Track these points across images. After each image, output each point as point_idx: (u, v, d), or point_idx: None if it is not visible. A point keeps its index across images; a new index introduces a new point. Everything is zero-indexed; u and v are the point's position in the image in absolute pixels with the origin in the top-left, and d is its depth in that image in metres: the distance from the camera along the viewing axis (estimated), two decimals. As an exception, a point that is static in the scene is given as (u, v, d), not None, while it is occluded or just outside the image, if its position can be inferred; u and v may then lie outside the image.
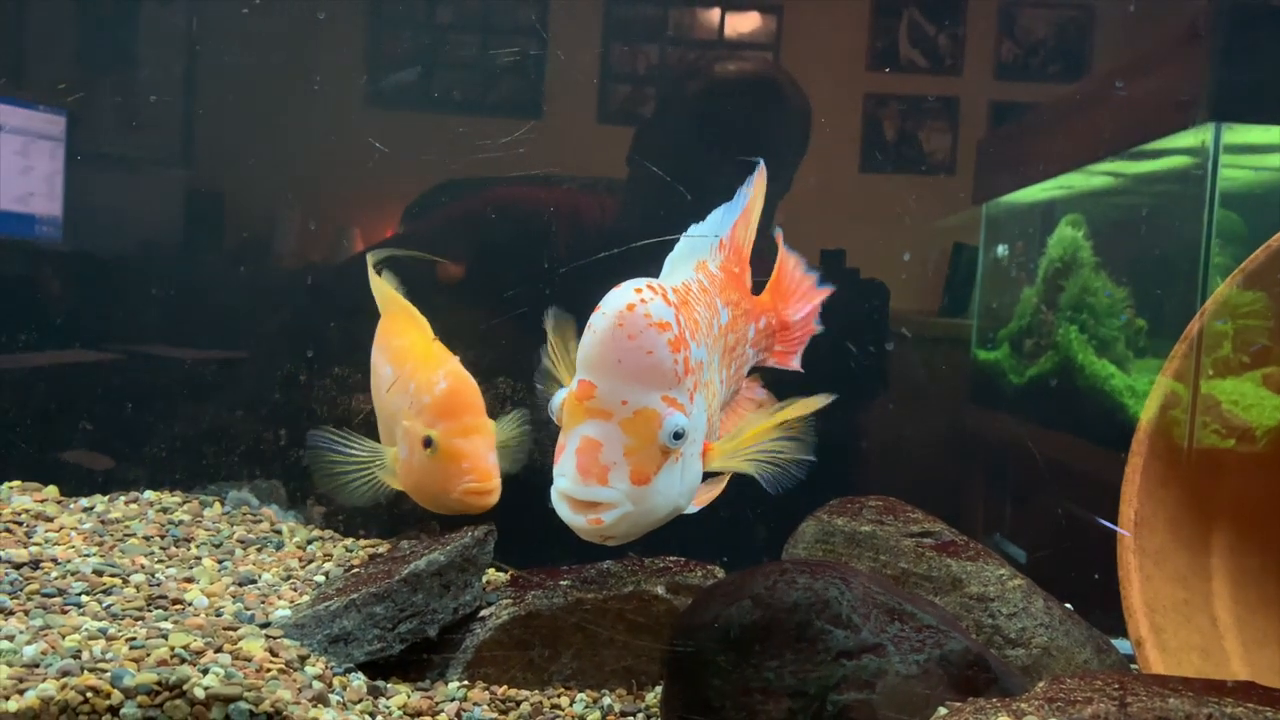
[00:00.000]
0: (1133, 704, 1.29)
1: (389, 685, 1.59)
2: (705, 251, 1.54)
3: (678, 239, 1.56)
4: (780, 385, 1.74)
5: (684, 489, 1.31)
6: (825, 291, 1.81)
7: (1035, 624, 1.76)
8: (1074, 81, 2.62)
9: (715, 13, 2.57)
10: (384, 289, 1.93)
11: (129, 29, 2.54)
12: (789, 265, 1.79)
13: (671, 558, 1.86)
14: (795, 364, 1.78)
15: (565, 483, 1.25)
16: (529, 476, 2.26)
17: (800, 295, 1.79)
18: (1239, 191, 2.27)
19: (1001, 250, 2.77)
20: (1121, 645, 1.86)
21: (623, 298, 1.25)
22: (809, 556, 1.96)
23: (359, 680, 1.53)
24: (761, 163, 1.64)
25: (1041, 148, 2.60)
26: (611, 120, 2.54)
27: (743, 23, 2.57)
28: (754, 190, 1.61)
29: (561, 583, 1.77)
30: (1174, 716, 1.27)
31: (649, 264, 1.75)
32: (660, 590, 1.75)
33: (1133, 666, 1.83)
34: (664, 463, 1.26)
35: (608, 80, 2.54)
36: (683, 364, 1.27)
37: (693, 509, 1.42)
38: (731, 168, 2.42)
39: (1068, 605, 1.90)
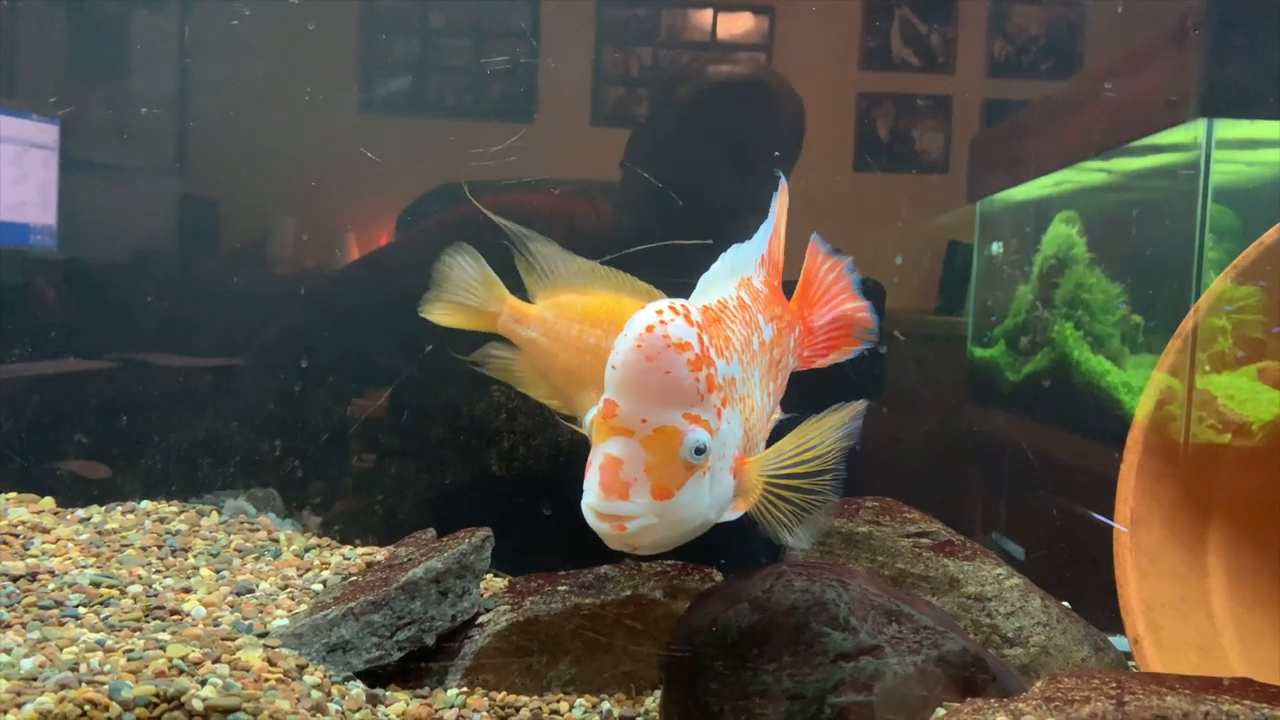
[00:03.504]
0: (1130, 702, 1.29)
1: (388, 693, 1.59)
2: (750, 268, 1.55)
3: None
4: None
5: (714, 502, 1.33)
6: (852, 301, 1.76)
7: (1033, 623, 1.76)
8: (1067, 79, 2.62)
9: (708, 14, 2.57)
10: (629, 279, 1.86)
11: (121, 37, 2.54)
12: (817, 270, 1.76)
13: (669, 561, 1.86)
14: (819, 364, 1.76)
15: (590, 497, 1.29)
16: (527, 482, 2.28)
17: (825, 301, 1.76)
18: (1233, 187, 2.26)
19: (996, 248, 2.77)
20: (1119, 643, 1.86)
21: (643, 320, 1.28)
22: (806, 558, 1.97)
23: (358, 689, 1.53)
24: (783, 177, 1.64)
25: (1035, 145, 2.60)
26: (606, 122, 2.54)
27: (735, 24, 2.57)
28: (779, 206, 1.62)
29: (559, 588, 1.77)
30: (1171, 715, 1.27)
31: (648, 268, 1.76)
32: (658, 594, 1.75)
33: (1131, 664, 1.83)
34: (688, 477, 1.28)
35: (601, 83, 2.54)
36: (705, 382, 1.29)
37: (733, 516, 1.43)
38: (726, 171, 2.43)
39: (1065, 603, 1.90)
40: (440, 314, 1.89)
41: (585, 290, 1.83)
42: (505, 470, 2.27)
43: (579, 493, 1.30)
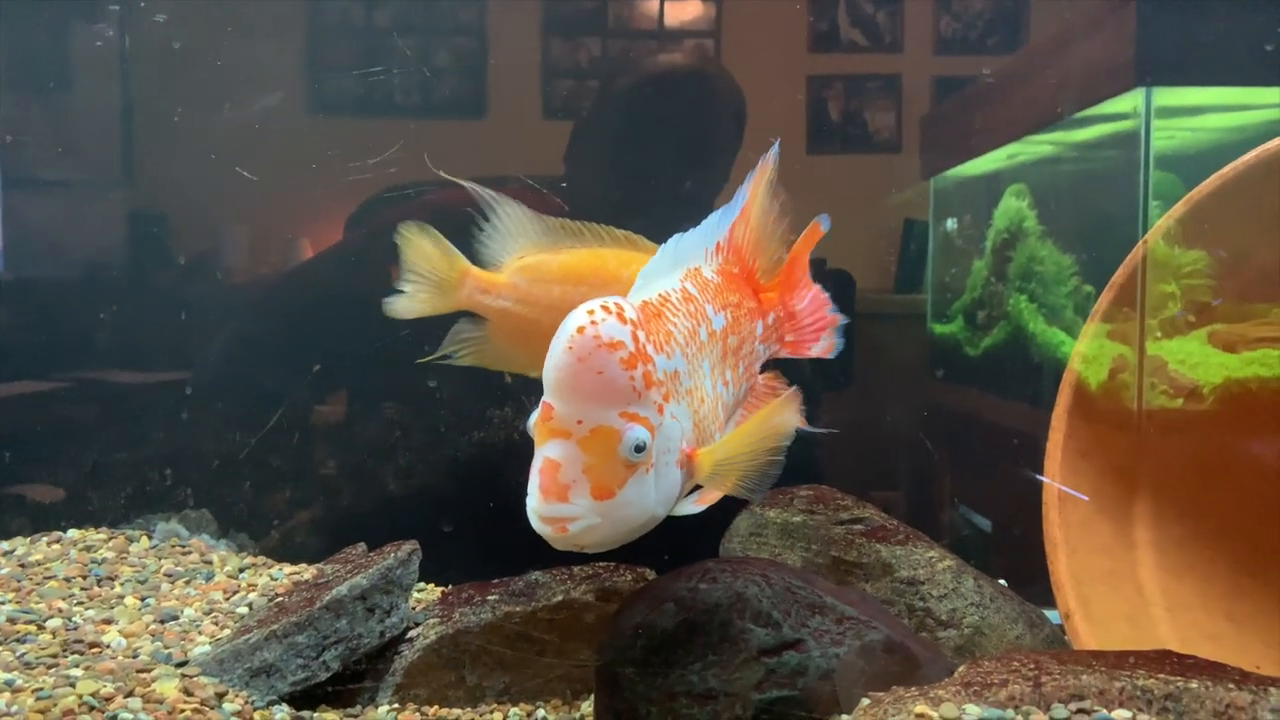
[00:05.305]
0: (1047, 683, 1.29)
1: (316, 714, 1.57)
2: (698, 258, 1.54)
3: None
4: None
5: (661, 496, 1.33)
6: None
7: (966, 604, 1.77)
8: (1013, 53, 2.63)
9: (654, 2, 2.55)
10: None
11: (58, 51, 2.48)
12: (804, 255, 1.74)
13: (601, 563, 1.84)
14: (814, 351, 1.73)
15: (532, 501, 1.29)
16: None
17: (807, 284, 1.74)
18: (1177, 153, 2.27)
19: (950, 224, 2.77)
20: (1056, 617, 1.87)
21: (575, 321, 1.28)
22: (744, 551, 1.96)
23: (282, 713, 1.51)
24: (766, 159, 1.60)
25: (982, 120, 2.60)
26: (558, 116, 2.51)
27: (683, 11, 2.55)
28: (751, 190, 1.58)
29: (489, 597, 1.75)
30: (1087, 692, 1.27)
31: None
32: (590, 598, 1.74)
33: (1067, 638, 1.83)
34: (629, 476, 1.28)
35: (550, 75, 2.52)
36: (642, 379, 1.28)
37: (697, 509, 1.44)
38: (667, 162, 2.41)
39: (1001, 581, 1.90)
40: (405, 305, 1.81)
41: (557, 250, 1.80)
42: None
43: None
